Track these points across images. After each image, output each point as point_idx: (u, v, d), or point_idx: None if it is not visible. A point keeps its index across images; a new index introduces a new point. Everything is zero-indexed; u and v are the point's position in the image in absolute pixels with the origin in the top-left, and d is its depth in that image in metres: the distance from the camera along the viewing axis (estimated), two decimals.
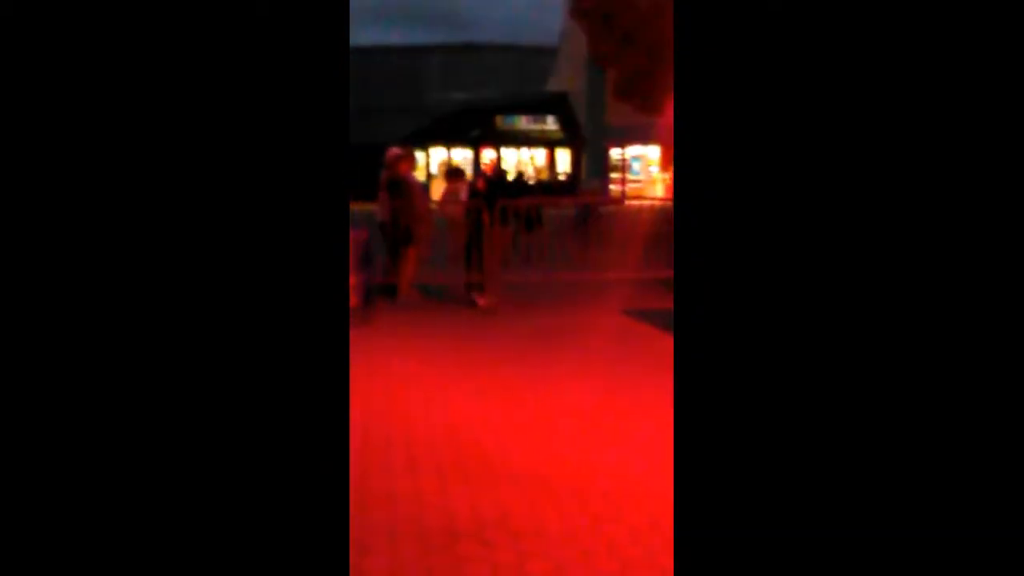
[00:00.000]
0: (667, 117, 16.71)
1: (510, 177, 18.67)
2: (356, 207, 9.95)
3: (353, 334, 7.32)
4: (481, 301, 8.49)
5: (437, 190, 30.33)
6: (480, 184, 9.25)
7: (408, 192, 8.84)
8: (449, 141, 31.48)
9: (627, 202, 15.68)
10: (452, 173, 10.23)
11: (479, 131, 30.89)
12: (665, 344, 6.50)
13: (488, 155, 29.32)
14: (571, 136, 31.08)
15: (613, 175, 29.66)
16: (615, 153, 29.80)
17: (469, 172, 14.45)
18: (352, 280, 7.40)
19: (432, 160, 31.76)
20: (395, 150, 9.09)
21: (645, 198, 22.42)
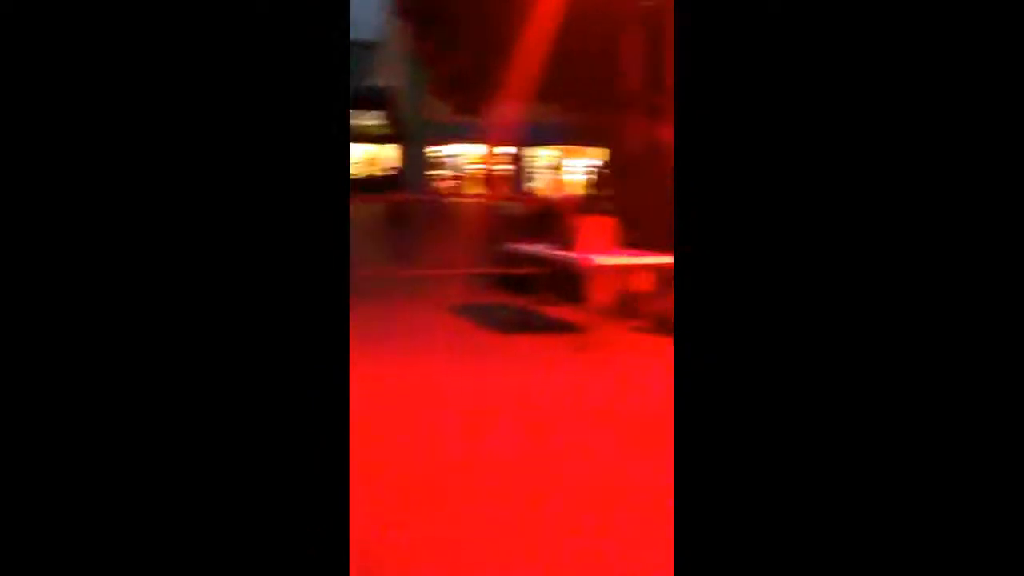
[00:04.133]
0: (487, 118, 17.00)
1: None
2: None
3: None
4: None
5: None
6: None
7: None
8: None
9: (449, 199, 15.91)
10: None
11: None
12: (487, 339, 6.72)
13: None
14: (398, 132, 30.84)
15: (432, 172, 29.79)
16: (433, 151, 29.88)
17: None
18: None
19: None
20: None
21: (465, 196, 22.80)
